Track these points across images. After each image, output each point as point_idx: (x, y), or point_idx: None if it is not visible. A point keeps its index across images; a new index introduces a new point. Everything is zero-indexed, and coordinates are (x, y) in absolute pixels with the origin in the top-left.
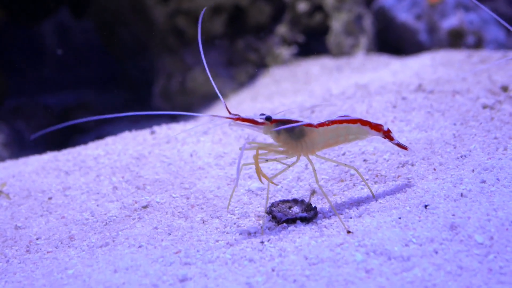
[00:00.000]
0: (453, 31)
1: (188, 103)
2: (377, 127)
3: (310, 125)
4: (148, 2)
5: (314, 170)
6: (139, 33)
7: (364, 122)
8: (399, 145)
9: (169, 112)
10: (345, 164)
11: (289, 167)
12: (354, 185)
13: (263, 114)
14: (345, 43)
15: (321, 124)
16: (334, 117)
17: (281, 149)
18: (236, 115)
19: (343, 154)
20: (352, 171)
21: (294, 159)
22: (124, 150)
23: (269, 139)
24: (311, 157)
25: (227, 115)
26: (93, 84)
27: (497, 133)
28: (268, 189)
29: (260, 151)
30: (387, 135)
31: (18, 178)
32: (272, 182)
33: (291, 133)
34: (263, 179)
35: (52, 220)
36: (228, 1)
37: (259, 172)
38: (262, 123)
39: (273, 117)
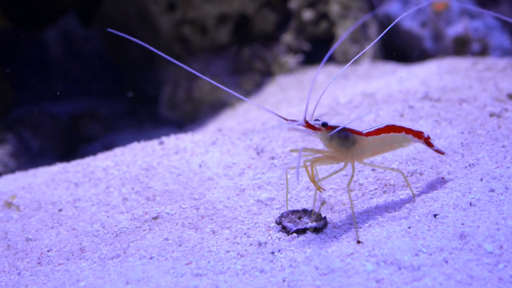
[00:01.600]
0: (458, 38)
1: (195, 111)
2: (418, 135)
3: (360, 133)
4: (154, 11)
5: (352, 177)
6: (145, 41)
7: (408, 131)
8: (438, 151)
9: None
10: (392, 168)
11: (336, 173)
12: (363, 194)
13: (318, 120)
14: (350, 51)
15: (370, 133)
16: (380, 125)
17: (332, 155)
18: (294, 120)
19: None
20: (361, 181)
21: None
22: (133, 161)
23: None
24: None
25: (288, 119)
26: (100, 93)
27: (505, 141)
28: (315, 197)
29: (306, 155)
30: (427, 141)
31: (28, 190)
32: (319, 189)
33: (344, 141)
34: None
35: (63, 232)
36: (233, 9)
37: (311, 177)
38: (318, 129)
39: (329, 124)
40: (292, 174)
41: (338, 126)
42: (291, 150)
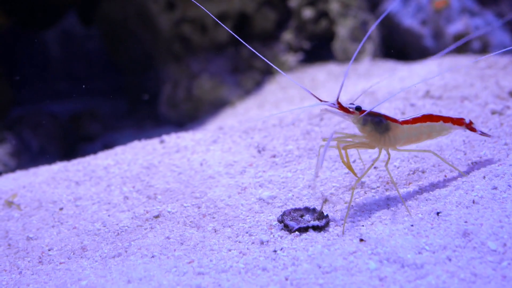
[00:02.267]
0: (458, 36)
1: (195, 110)
2: (459, 122)
3: (395, 121)
4: (153, 10)
5: (388, 161)
6: (145, 41)
7: (446, 119)
8: (483, 134)
9: None
10: (424, 150)
11: (374, 162)
12: (365, 192)
13: (352, 104)
14: (351, 49)
15: (406, 122)
16: (418, 115)
17: (364, 140)
18: (326, 101)
19: (353, 161)
20: (363, 179)
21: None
22: (134, 159)
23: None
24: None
25: (321, 101)
26: (99, 92)
27: (507, 139)
28: (353, 191)
29: (339, 138)
30: (470, 127)
31: (28, 189)
32: (355, 174)
33: (377, 127)
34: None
35: (64, 230)
36: (233, 8)
37: (347, 164)
38: (352, 112)
39: (363, 108)
40: (294, 172)
41: (371, 112)
42: (324, 139)
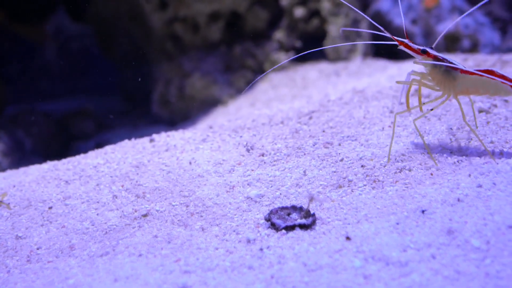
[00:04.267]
0: (449, 35)
1: (187, 109)
2: None
3: (458, 69)
4: (146, 9)
5: (462, 108)
6: (137, 39)
7: (505, 78)
8: None
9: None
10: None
11: (432, 109)
12: (352, 191)
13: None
14: (342, 48)
15: (466, 72)
16: (482, 68)
17: (432, 84)
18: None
19: (341, 160)
20: (350, 177)
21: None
22: (124, 158)
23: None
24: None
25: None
26: (92, 91)
27: (493, 137)
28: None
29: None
30: None
31: (18, 188)
32: (409, 108)
33: (446, 72)
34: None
35: (53, 229)
36: (225, 7)
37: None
38: (417, 52)
39: (430, 52)
40: (282, 171)
41: (438, 56)
42: (398, 82)
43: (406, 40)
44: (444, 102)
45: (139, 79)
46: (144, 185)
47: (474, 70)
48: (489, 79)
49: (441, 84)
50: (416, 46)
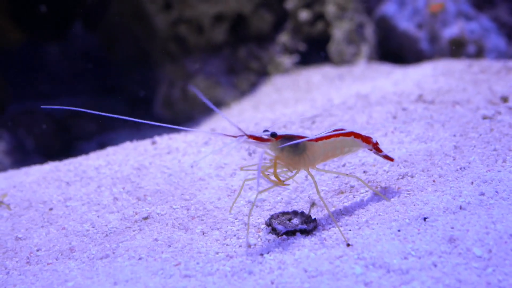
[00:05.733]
0: (454, 40)
1: (190, 111)
2: (367, 140)
3: (310, 140)
4: (150, 10)
5: (315, 182)
6: (140, 40)
7: (356, 135)
8: (386, 157)
9: (171, 126)
10: (346, 174)
11: (284, 181)
12: (353, 197)
13: (267, 130)
14: (346, 51)
15: (320, 138)
16: (329, 130)
17: (284, 164)
18: (242, 135)
19: (343, 165)
20: (352, 182)
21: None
22: (125, 160)
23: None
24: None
25: (234, 133)
26: (95, 91)
27: (496, 144)
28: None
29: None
30: (376, 147)
31: (19, 188)
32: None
33: (295, 148)
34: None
35: (53, 231)
36: (230, 9)
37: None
38: (268, 140)
39: (278, 133)
40: (283, 176)
41: (287, 135)
42: (242, 168)
43: (250, 132)
44: (293, 177)
45: (143, 80)
46: (145, 187)
47: (325, 133)
48: (345, 138)
49: (295, 161)
50: (262, 135)
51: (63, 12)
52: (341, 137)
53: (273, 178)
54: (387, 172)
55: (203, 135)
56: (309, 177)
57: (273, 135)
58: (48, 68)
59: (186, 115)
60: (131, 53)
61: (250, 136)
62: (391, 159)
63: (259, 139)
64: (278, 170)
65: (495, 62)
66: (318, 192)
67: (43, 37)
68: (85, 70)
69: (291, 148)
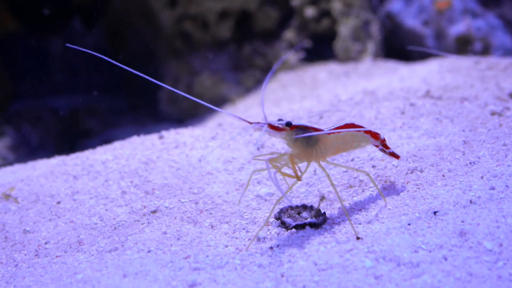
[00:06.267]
0: (460, 37)
1: (195, 107)
2: (376, 136)
3: (327, 132)
4: (155, 7)
5: (328, 174)
6: (146, 37)
7: (366, 131)
8: (392, 154)
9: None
10: (356, 169)
11: (300, 176)
12: (363, 191)
13: (281, 120)
14: (352, 48)
15: (334, 130)
16: (340, 124)
17: (296, 155)
18: (258, 122)
19: (352, 159)
20: (361, 177)
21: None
22: (133, 154)
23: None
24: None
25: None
26: (99, 88)
27: (506, 139)
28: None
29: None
30: (383, 143)
31: (26, 182)
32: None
33: (308, 139)
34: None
35: (61, 224)
36: (235, 6)
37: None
38: (283, 129)
39: (293, 124)
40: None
41: (301, 126)
42: (255, 158)
43: (270, 121)
44: (306, 170)
45: (147, 77)
46: (153, 181)
47: (335, 126)
48: (355, 133)
49: (307, 153)
50: (277, 123)
51: (66, 7)
52: (352, 132)
53: (288, 172)
54: (396, 166)
55: (210, 130)
56: (317, 171)
57: (288, 124)
58: (53, 65)
59: (191, 112)
60: (136, 49)
61: (269, 125)
62: (397, 157)
63: (276, 128)
64: (282, 162)
65: (502, 59)
66: (332, 184)
67: (45, 31)
68: (90, 66)
69: (304, 139)
